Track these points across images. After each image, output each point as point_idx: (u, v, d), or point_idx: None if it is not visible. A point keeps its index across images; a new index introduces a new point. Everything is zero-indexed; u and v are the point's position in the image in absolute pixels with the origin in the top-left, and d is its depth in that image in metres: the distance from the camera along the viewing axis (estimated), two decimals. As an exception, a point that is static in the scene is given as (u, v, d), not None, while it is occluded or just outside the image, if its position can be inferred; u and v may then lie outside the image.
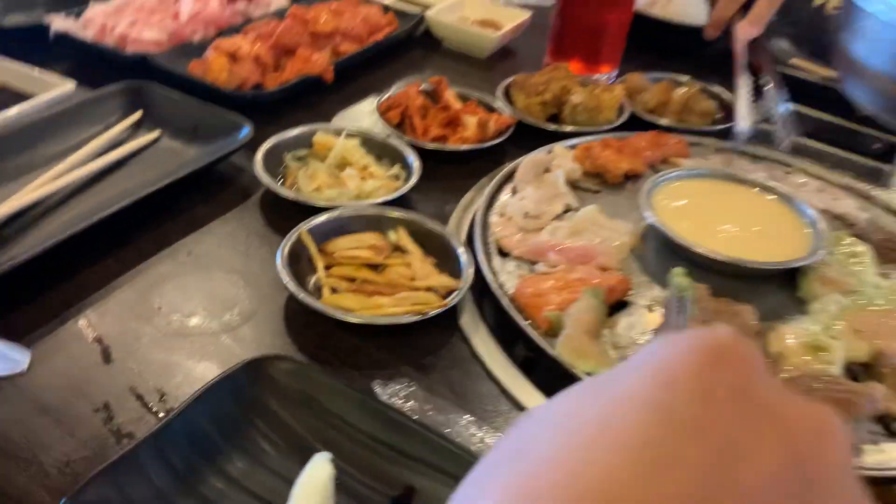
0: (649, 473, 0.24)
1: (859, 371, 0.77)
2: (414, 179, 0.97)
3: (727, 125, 1.23)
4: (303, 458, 0.61)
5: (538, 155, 1.04)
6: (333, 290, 0.81)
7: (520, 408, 0.73)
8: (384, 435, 0.64)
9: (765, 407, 0.30)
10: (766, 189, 0.95)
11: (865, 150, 1.26)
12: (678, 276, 0.78)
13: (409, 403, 0.71)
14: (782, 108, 1.19)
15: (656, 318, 0.80)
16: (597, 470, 0.25)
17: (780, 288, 0.85)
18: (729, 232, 0.88)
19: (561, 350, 0.73)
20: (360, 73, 1.34)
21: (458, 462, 0.62)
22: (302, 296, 0.76)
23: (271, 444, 0.64)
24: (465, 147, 1.07)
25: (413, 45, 1.50)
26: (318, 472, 0.50)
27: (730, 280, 0.84)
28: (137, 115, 1.06)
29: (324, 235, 0.86)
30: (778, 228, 0.89)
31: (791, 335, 0.75)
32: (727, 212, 0.91)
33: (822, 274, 0.83)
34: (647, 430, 0.26)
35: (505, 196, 0.98)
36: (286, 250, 0.81)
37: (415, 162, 1.01)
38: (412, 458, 0.63)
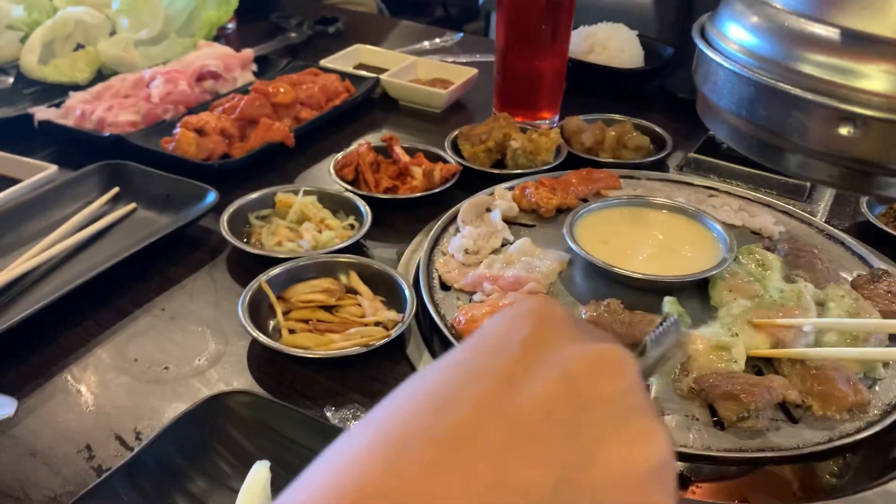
0: (434, 409, 0.33)
1: (763, 366, 0.86)
2: (365, 227, 1.08)
3: (658, 156, 1.34)
4: (262, 478, 0.70)
5: (480, 197, 1.14)
6: (291, 332, 0.91)
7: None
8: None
9: (553, 350, 0.36)
10: (679, 210, 1.05)
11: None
12: (670, 304, 0.88)
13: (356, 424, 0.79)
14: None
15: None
16: (394, 415, 0.34)
17: (694, 298, 0.94)
18: (643, 251, 0.98)
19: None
20: (322, 135, 1.46)
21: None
22: (262, 338, 0.86)
23: (230, 466, 0.72)
24: (413, 195, 1.18)
25: (373, 106, 1.62)
26: (256, 478, 0.58)
27: (648, 294, 0.93)
28: (114, 191, 1.17)
29: (283, 283, 0.96)
30: (689, 244, 0.99)
31: (698, 339, 0.84)
32: (643, 233, 1.01)
33: (729, 282, 0.92)
34: (445, 380, 0.35)
35: (449, 236, 1.08)
36: (247, 300, 0.91)
37: (367, 212, 1.11)
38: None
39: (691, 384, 0.82)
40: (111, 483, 0.67)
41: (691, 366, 0.83)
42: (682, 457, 0.76)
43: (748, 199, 1.19)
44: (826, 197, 1.29)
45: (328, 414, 0.81)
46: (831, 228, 1.12)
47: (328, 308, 0.94)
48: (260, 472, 0.59)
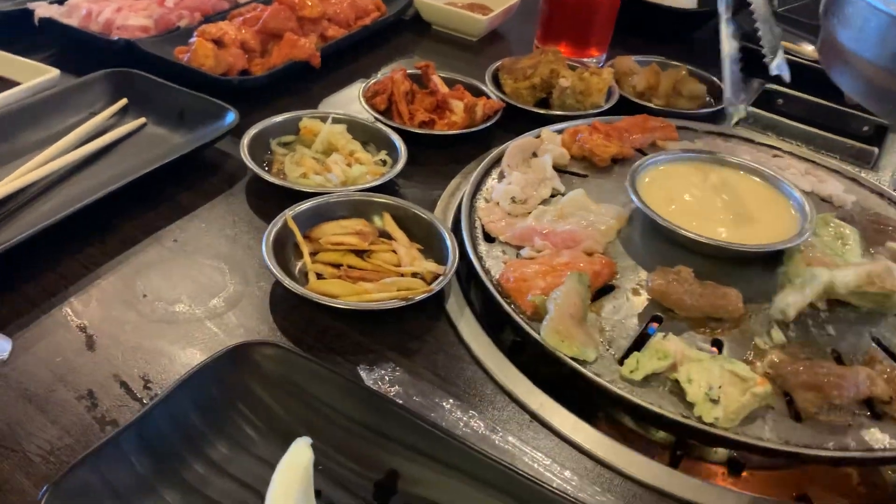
0: None
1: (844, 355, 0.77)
2: (400, 165, 0.97)
3: (716, 108, 1.23)
4: (286, 443, 0.61)
5: (526, 139, 1.03)
6: (319, 276, 0.81)
7: (504, 392, 0.73)
8: (368, 419, 0.64)
9: None
10: (753, 171, 0.95)
11: (854, 133, 1.26)
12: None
13: (393, 388, 0.71)
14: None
15: (642, 301, 0.80)
16: None
17: (765, 270, 0.85)
18: (715, 214, 0.88)
19: (545, 334, 0.73)
20: (347, 58, 1.33)
21: (443, 446, 0.62)
22: (287, 282, 0.76)
23: (255, 430, 0.64)
24: (452, 132, 1.07)
25: (402, 29, 1.49)
26: (298, 458, 0.50)
27: (716, 262, 0.84)
28: (122, 102, 1.05)
29: (309, 221, 0.86)
30: (764, 211, 0.89)
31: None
32: (713, 194, 0.91)
33: (808, 255, 0.83)
34: None
35: (492, 181, 0.97)
36: (271, 236, 0.81)
37: (401, 147, 1.00)
38: (396, 442, 0.63)
39: (766, 369, 0.73)
40: (119, 444, 0.58)
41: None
42: (757, 451, 0.68)
43: (815, 162, 1.09)
44: (893, 165, 1.19)
45: (362, 374, 0.72)
46: (910, 201, 1.03)
47: (359, 253, 0.84)
48: (301, 450, 0.50)
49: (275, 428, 0.64)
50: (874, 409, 0.72)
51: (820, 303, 0.79)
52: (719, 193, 0.91)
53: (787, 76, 0.77)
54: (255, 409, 0.65)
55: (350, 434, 0.64)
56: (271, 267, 0.77)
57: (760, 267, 0.85)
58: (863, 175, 1.09)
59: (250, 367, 0.66)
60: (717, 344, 0.77)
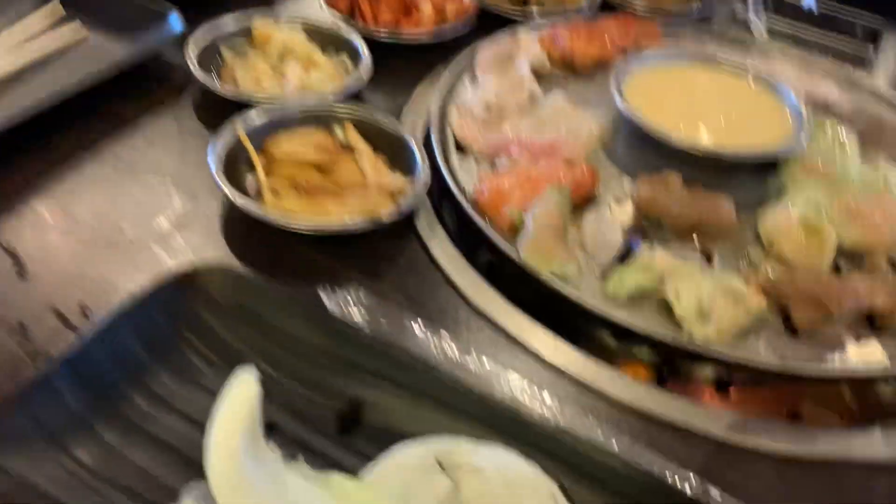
0: None
1: (844, 264, 0.72)
2: (364, 71, 0.89)
3: (703, 8, 1.14)
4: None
5: (500, 41, 0.95)
6: (275, 194, 0.74)
7: (480, 314, 0.67)
8: (330, 346, 0.59)
9: None
10: (745, 72, 0.88)
11: (847, 34, 1.19)
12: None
13: (358, 311, 0.65)
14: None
15: (626, 212, 0.74)
16: None
17: (759, 177, 0.79)
18: (705, 119, 0.81)
19: (523, 251, 0.67)
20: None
21: (410, 372, 0.57)
22: (239, 200, 0.69)
23: (204, 361, 0.58)
24: (420, 37, 0.98)
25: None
26: (241, 390, 0.44)
27: (706, 170, 0.78)
28: (55, 6, 0.95)
29: (264, 133, 0.78)
30: (758, 115, 0.83)
31: (783, 216, 0.70)
32: (703, 97, 0.84)
33: (805, 163, 0.77)
34: None
35: (464, 87, 0.90)
36: (220, 150, 0.73)
37: (365, 52, 0.92)
38: (360, 369, 0.58)
39: (761, 282, 0.68)
40: (50, 380, 0.52)
41: (770, 249, 0.70)
42: (753, 370, 0.63)
43: (808, 64, 1.02)
44: (891, 66, 1.13)
45: (324, 296, 0.66)
46: (906, 103, 0.97)
47: (319, 168, 0.77)
48: (245, 381, 0.44)
49: (227, 358, 0.58)
50: (873, 323, 0.67)
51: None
52: (709, 96, 0.85)
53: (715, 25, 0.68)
54: (204, 339, 0.59)
55: (310, 362, 0.58)
56: (220, 183, 0.70)
57: (754, 175, 0.79)
58: (857, 77, 1.02)
59: (199, 293, 0.60)
60: (707, 255, 0.72)
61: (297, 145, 0.78)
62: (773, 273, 0.67)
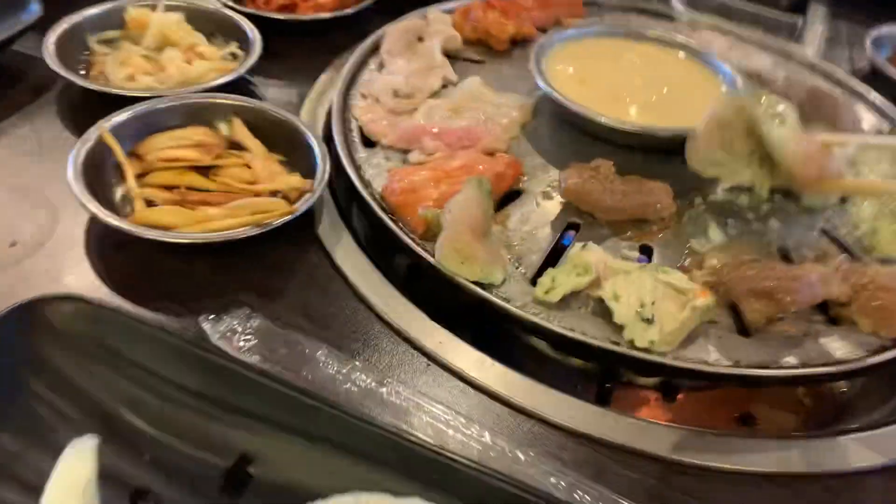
0: None
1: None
2: (254, 57, 0.79)
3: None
4: (103, 427, 0.46)
5: (409, 21, 0.86)
6: (150, 204, 0.63)
7: (394, 331, 0.58)
8: (211, 389, 0.49)
9: None
10: (675, 46, 0.81)
11: (774, 4, 1.14)
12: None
13: (248, 342, 0.55)
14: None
15: (555, 206, 0.66)
16: None
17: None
18: (635, 97, 0.74)
19: (441, 256, 0.59)
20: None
21: (310, 415, 0.47)
22: (102, 214, 0.58)
23: (55, 414, 0.48)
24: (319, 15, 0.88)
25: None
26: (73, 468, 0.33)
27: (638, 154, 0.70)
28: None
29: (137, 134, 0.68)
30: (691, 90, 0.76)
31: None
32: (632, 74, 0.77)
33: (744, 139, 0.71)
34: None
35: (370, 73, 0.80)
36: (82, 157, 0.63)
37: (255, 37, 0.81)
38: (250, 415, 0.48)
39: (706, 277, 0.61)
40: None
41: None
42: (704, 377, 0.56)
43: (738, 36, 0.96)
44: (818, 37, 1.08)
45: (206, 327, 0.55)
46: (842, 73, 0.91)
47: (203, 170, 0.67)
48: (80, 457, 0.34)
49: (83, 409, 0.48)
50: (829, 314, 0.61)
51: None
52: (638, 72, 0.77)
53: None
54: (54, 385, 0.49)
55: (186, 409, 0.48)
56: (79, 195, 0.59)
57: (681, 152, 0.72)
58: (789, 48, 0.97)
59: (45, 329, 0.50)
60: (647, 251, 0.64)
61: (174, 146, 0.67)
62: (719, 264, 0.60)
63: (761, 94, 0.77)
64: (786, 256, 0.65)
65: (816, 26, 1.10)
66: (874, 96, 0.87)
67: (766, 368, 0.56)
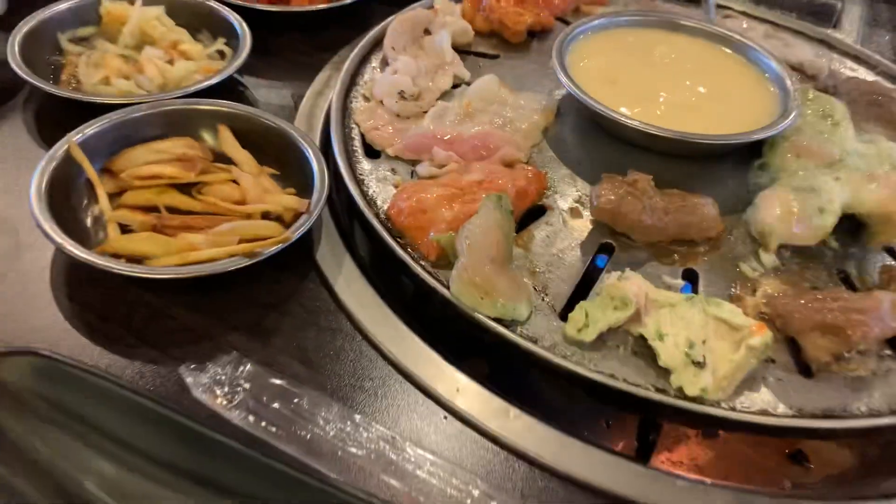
0: None
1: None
2: (243, 56, 0.71)
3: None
4: (57, 498, 0.39)
5: (414, 12, 0.78)
6: (124, 230, 0.55)
7: (405, 375, 0.51)
8: (189, 461, 0.41)
9: None
10: (712, 37, 0.72)
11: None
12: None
13: (236, 395, 0.47)
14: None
15: (584, 224, 0.59)
16: None
17: (742, 165, 0.63)
18: (670, 96, 0.65)
19: (457, 289, 0.51)
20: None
21: (305, 492, 0.40)
22: (68, 245, 0.51)
23: (3, 490, 0.40)
24: (315, 7, 0.80)
25: None
26: None
27: (676, 161, 0.62)
28: None
29: (111, 147, 0.60)
30: (732, 88, 0.67)
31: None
32: (666, 69, 0.69)
33: (795, 142, 0.63)
34: None
35: (372, 71, 0.72)
36: (48, 175, 0.55)
37: (245, 32, 0.73)
38: (235, 494, 0.40)
39: (761, 307, 0.53)
40: None
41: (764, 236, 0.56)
42: (765, 431, 0.49)
43: (775, 23, 0.88)
44: (857, 21, 0.99)
45: (188, 378, 0.48)
46: (889, 64, 0.83)
47: (185, 188, 0.59)
48: None
49: (36, 481, 0.40)
50: (898, 347, 0.53)
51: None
52: (674, 68, 0.69)
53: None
54: (3, 457, 0.41)
55: (158, 484, 0.41)
56: (42, 222, 0.52)
57: (736, 161, 0.64)
58: (828, 35, 0.88)
59: (-5, 392, 0.42)
60: (691, 276, 0.56)
61: (153, 160, 0.59)
62: (774, 293, 0.53)
63: (807, 92, 0.70)
64: (847, 280, 0.57)
65: (854, 10, 1.02)
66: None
67: (834, 419, 0.48)
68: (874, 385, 0.51)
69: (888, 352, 0.53)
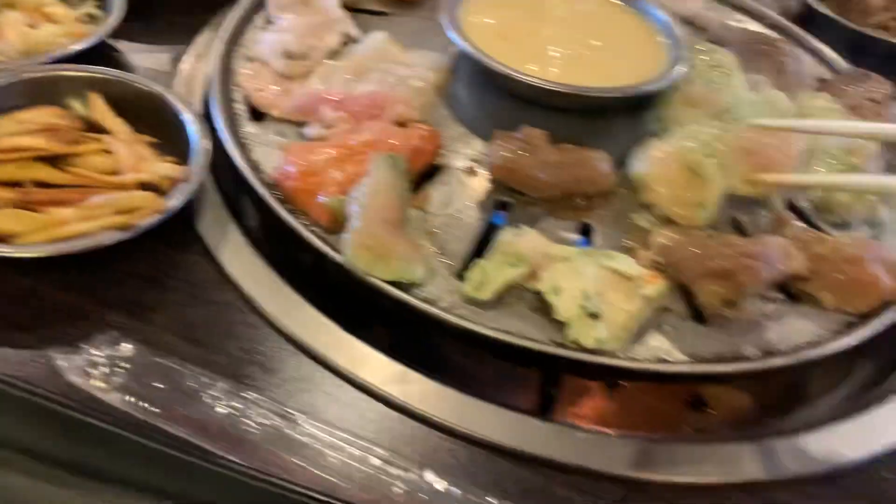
0: None
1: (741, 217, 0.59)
2: (116, 18, 0.66)
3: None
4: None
5: (300, -31, 0.74)
6: (-15, 207, 0.51)
7: (299, 347, 0.49)
8: (67, 451, 0.38)
9: None
10: (603, -11, 0.72)
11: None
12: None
13: (115, 379, 0.44)
14: None
15: (481, 183, 0.58)
16: None
17: (634, 120, 0.64)
18: (562, 51, 0.65)
19: (350, 254, 0.49)
20: None
21: (193, 476, 0.38)
22: (-81, 226, 0.46)
23: None
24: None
25: None
26: None
27: (567, 116, 0.62)
28: None
29: (-34, 119, 0.55)
30: (622, 41, 0.67)
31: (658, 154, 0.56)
32: (557, 24, 0.68)
33: (687, 93, 0.63)
34: None
35: (255, 31, 0.69)
36: None
37: (116, -8, 0.68)
38: (119, 483, 0.38)
39: (655, 257, 0.54)
40: None
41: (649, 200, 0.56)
42: (661, 378, 0.49)
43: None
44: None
45: (61, 362, 0.44)
46: (776, 16, 0.85)
47: (53, 161, 0.55)
48: None
49: None
50: (789, 290, 0.55)
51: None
52: (565, 23, 0.68)
53: None
54: None
55: (36, 479, 0.38)
56: None
57: (628, 118, 0.64)
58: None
59: None
60: (586, 230, 0.56)
61: (16, 132, 0.55)
62: (668, 242, 0.53)
63: (697, 42, 0.70)
64: (738, 227, 0.59)
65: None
66: (808, 39, 0.81)
67: (727, 362, 0.49)
68: (766, 328, 0.52)
69: (780, 295, 0.54)
